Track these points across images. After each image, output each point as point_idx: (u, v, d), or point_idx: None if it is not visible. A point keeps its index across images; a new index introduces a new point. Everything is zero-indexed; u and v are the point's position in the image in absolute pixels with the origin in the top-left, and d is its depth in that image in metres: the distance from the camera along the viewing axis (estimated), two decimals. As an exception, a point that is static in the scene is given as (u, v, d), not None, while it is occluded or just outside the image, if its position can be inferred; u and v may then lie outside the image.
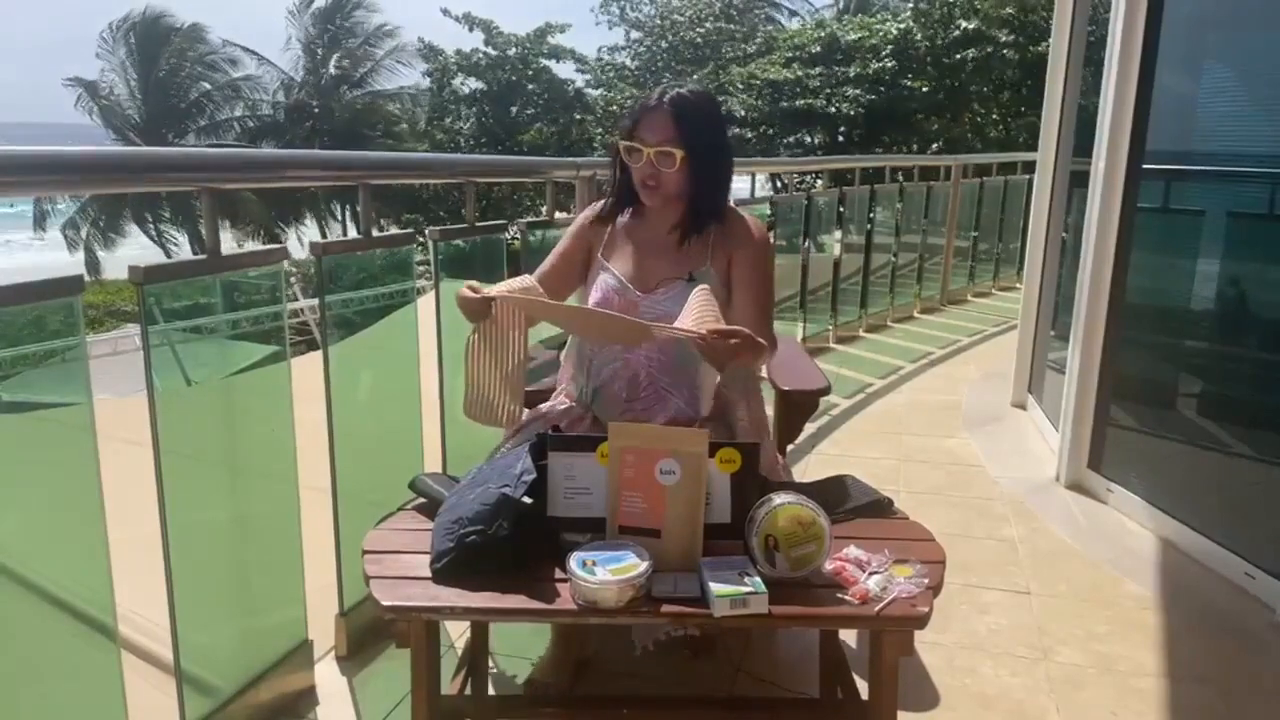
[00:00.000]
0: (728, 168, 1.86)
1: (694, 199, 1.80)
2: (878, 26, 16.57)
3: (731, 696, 1.95)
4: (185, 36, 23.10)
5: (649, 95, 1.81)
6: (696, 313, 1.55)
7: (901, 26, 16.11)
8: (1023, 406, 4.11)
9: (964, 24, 15.07)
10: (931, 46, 15.79)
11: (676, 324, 1.53)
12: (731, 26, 19.21)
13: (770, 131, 17.11)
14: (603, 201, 1.95)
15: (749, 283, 1.80)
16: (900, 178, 6.22)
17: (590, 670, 1.98)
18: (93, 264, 21.87)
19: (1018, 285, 6.22)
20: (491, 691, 1.88)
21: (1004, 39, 14.84)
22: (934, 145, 15.92)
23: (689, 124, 1.75)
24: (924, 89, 15.91)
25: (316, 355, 2.07)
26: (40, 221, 23.12)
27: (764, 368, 2.20)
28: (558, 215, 2.71)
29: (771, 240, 2.03)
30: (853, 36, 16.49)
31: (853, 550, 1.44)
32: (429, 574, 1.42)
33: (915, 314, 6.35)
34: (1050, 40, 3.98)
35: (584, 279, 1.92)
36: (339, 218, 23.52)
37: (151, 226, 23.03)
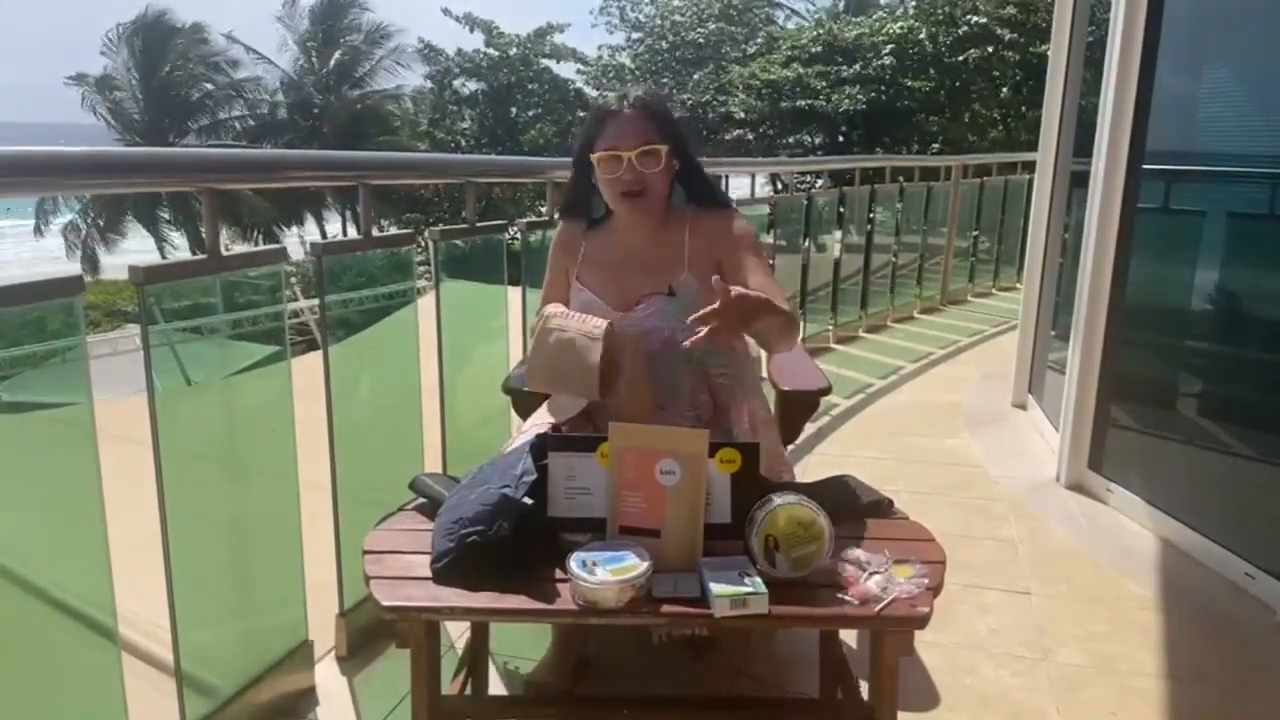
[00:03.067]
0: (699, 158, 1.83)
1: (690, 190, 1.78)
2: (878, 25, 16.57)
3: (731, 696, 1.95)
4: (187, 37, 23.09)
5: (605, 105, 1.75)
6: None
7: (903, 26, 16.09)
8: (1023, 407, 4.11)
9: (971, 19, 15.01)
10: (934, 45, 15.78)
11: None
12: (732, 27, 19.21)
13: (770, 131, 17.10)
14: (565, 227, 1.90)
15: (749, 268, 1.74)
16: (900, 178, 6.23)
17: (590, 670, 1.98)
18: (90, 263, 21.84)
19: (1018, 285, 6.22)
20: (491, 692, 1.88)
21: (1006, 38, 14.83)
22: (934, 145, 15.92)
23: (662, 118, 1.72)
24: (924, 88, 15.90)
25: (316, 355, 2.07)
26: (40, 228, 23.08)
27: (764, 368, 2.20)
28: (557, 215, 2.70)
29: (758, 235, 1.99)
30: (852, 35, 16.49)
31: (853, 550, 1.44)
32: (429, 574, 1.42)
33: (915, 314, 6.35)
34: (1050, 40, 3.98)
35: None
36: (341, 216, 23.49)
37: (149, 228, 23.01)
